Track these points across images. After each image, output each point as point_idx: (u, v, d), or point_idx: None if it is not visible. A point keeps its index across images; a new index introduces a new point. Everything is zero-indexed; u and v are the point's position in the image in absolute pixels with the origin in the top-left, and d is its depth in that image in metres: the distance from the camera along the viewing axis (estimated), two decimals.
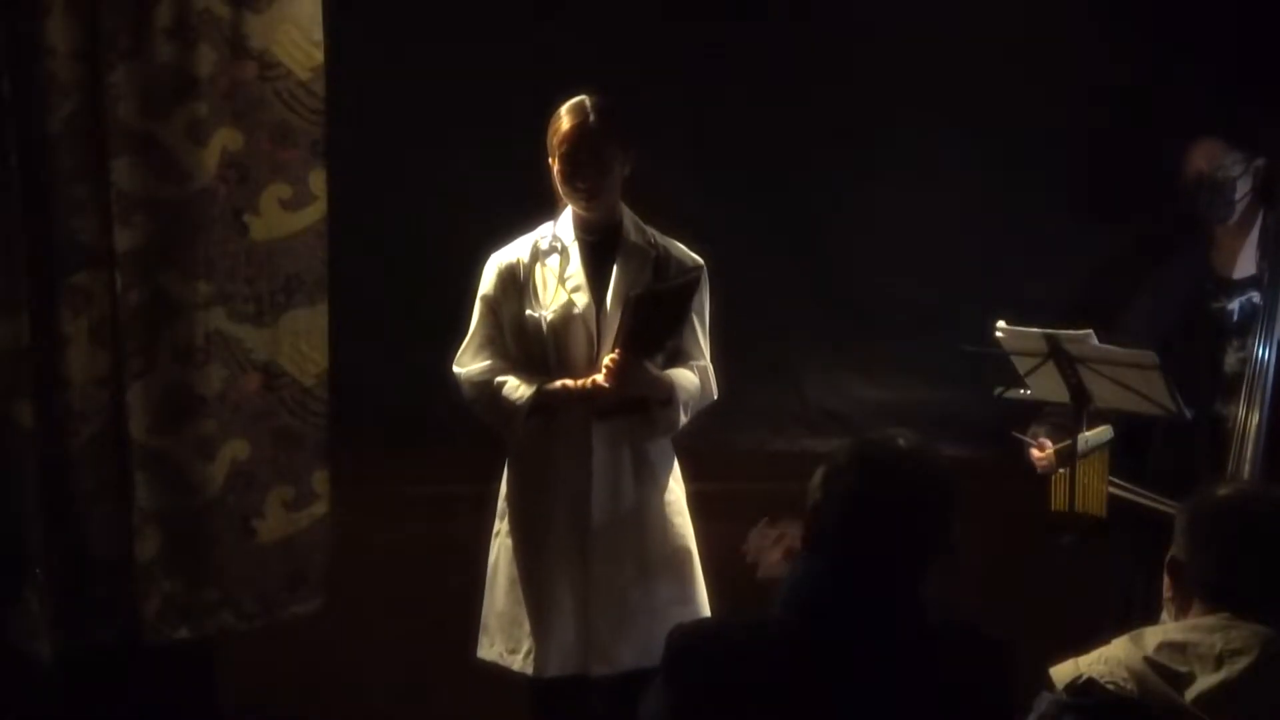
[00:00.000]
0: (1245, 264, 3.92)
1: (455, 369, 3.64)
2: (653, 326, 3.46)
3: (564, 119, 3.52)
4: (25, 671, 3.72)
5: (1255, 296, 3.88)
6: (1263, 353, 3.75)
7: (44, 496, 3.68)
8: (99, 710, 3.91)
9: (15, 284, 3.62)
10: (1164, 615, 2.39)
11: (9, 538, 3.67)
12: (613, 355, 3.45)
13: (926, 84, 4.46)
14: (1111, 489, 3.66)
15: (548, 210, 3.65)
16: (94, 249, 3.71)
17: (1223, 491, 2.47)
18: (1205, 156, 3.86)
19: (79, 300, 3.71)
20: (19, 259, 3.62)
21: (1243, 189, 3.86)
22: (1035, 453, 3.75)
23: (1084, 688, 2.28)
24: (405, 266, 4.42)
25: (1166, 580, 2.39)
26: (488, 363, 3.61)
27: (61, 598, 3.73)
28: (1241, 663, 2.22)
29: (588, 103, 3.53)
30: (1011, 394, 3.74)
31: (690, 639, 2.39)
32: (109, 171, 3.67)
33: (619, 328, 3.45)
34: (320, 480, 3.92)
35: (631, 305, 3.41)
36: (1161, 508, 3.63)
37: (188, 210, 3.72)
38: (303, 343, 3.85)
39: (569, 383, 3.52)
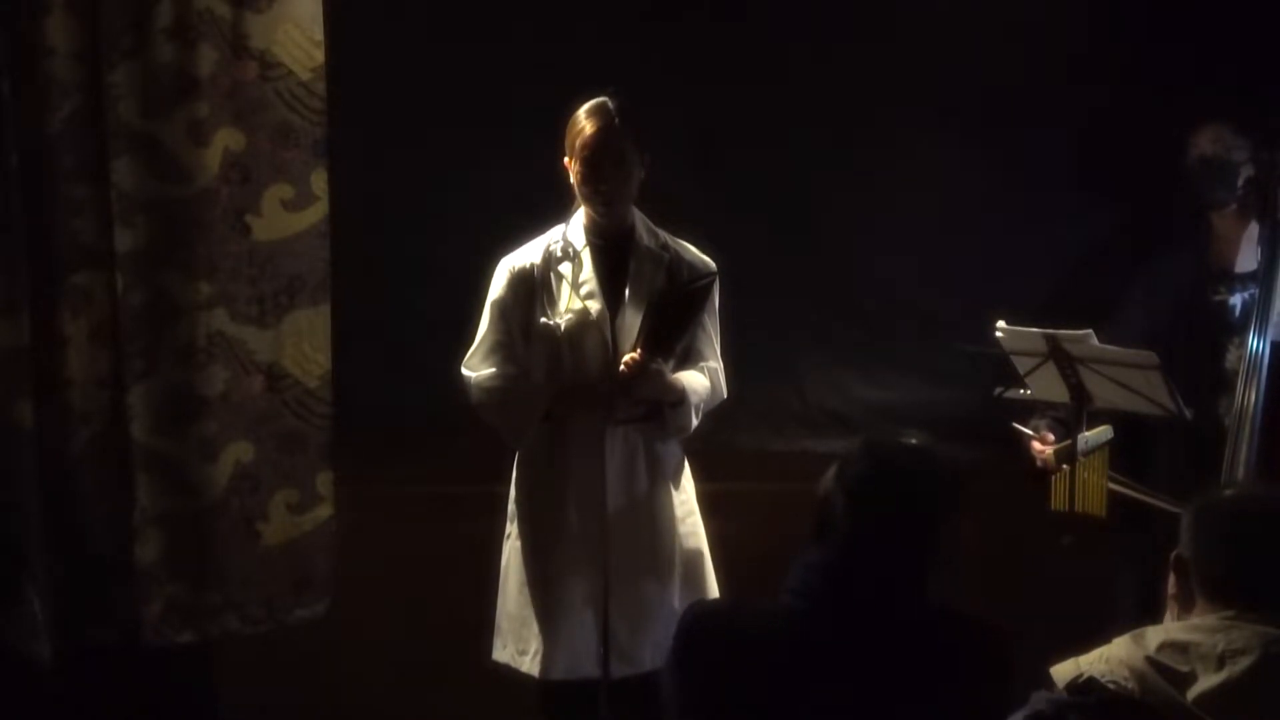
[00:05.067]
0: (1246, 258, 3.92)
1: (464, 372, 3.63)
2: (670, 328, 3.46)
3: (586, 122, 3.49)
4: (25, 672, 3.72)
5: (1257, 292, 3.88)
6: (1257, 345, 3.76)
7: (44, 497, 3.68)
8: (99, 712, 3.91)
9: (15, 284, 3.62)
10: (1168, 615, 2.40)
11: (9, 538, 3.67)
12: (631, 355, 3.44)
13: (926, 84, 4.46)
14: (1113, 485, 3.67)
15: (549, 209, 3.64)
16: (94, 249, 3.71)
17: (1230, 492, 2.48)
18: (1211, 138, 3.87)
19: (79, 300, 3.71)
20: (19, 259, 3.62)
21: (1245, 174, 3.86)
22: (1037, 445, 3.75)
23: (1084, 686, 2.29)
24: (406, 266, 4.41)
25: (1171, 576, 2.40)
26: (498, 368, 3.60)
27: (61, 598, 3.73)
28: (1243, 663, 2.22)
29: (610, 105, 3.50)
30: (1011, 394, 3.75)
31: (701, 620, 2.47)
32: (109, 171, 3.67)
33: (640, 329, 3.45)
34: (324, 482, 3.92)
35: (654, 307, 3.40)
36: (1162, 505, 3.63)
37: (189, 211, 3.71)
38: (305, 344, 3.85)
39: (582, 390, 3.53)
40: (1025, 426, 3.80)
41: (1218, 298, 3.94)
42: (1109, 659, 2.28)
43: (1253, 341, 3.76)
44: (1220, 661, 2.23)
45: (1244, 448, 3.73)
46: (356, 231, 4.14)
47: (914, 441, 2.44)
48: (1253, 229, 3.92)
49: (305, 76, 3.78)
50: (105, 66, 3.65)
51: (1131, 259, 4.20)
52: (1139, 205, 4.32)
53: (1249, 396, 3.73)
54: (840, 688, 2.31)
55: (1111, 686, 2.25)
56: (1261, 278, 3.80)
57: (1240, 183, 3.86)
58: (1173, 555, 2.40)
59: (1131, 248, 4.32)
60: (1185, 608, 2.36)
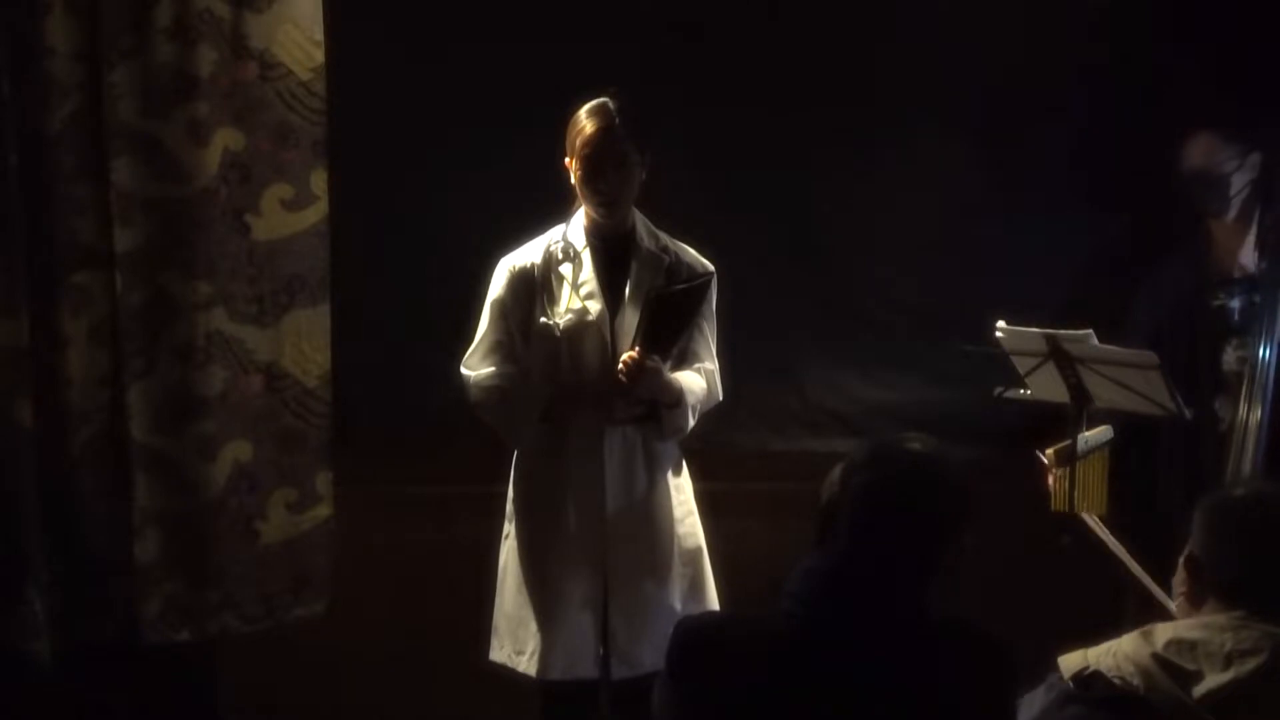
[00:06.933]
0: (1246, 261, 3.95)
1: (463, 371, 3.63)
2: (667, 327, 3.45)
3: (586, 122, 3.48)
4: (25, 671, 3.72)
5: (1257, 295, 3.90)
6: (1264, 353, 3.77)
7: (44, 496, 3.69)
8: (99, 710, 3.91)
9: (15, 284, 3.63)
10: (1176, 611, 2.41)
11: (9, 538, 3.68)
12: (631, 353, 3.44)
13: (926, 84, 4.46)
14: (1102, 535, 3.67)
15: (549, 210, 3.64)
16: (94, 249, 3.72)
17: (1241, 492, 2.49)
18: (1201, 151, 3.90)
19: (79, 300, 3.72)
20: (19, 259, 3.63)
21: (1239, 183, 3.89)
22: (1052, 480, 3.73)
23: (1088, 680, 2.30)
24: (405, 266, 4.40)
25: (1181, 575, 2.40)
26: (496, 367, 3.60)
27: (61, 598, 3.74)
28: (1251, 664, 2.23)
29: (611, 105, 3.49)
30: (1011, 394, 3.75)
31: (696, 631, 2.43)
32: (109, 171, 3.68)
33: (638, 327, 3.44)
34: (323, 482, 3.92)
35: (651, 305, 3.40)
36: (1133, 569, 3.61)
37: (188, 210, 3.72)
38: (305, 344, 3.86)
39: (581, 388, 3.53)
40: (1043, 453, 3.79)
41: (1217, 302, 3.96)
42: (1116, 654, 2.29)
43: (1260, 350, 3.77)
44: (1227, 661, 2.24)
45: (1249, 456, 3.75)
46: (356, 231, 4.14)
47: (921, 447, 2.39)
48: (1252, 233, 3.94)
49: (305, 76, 3.79)
50: (105, 66, 3.66)
51: (1134, 262, 4.21)
52: (1139, 207, 4.32)
53: (1255, 404, 3.75)
54: (839, 696, 2.29)
55: (1117, 682, 2.25)
56: (1268, 284, 3.82)
57: (1233, 192, 3.88)
58: (1184, 554, 2.40)
59: (1132, 251, 4.32)
60: (1195, 606, 2.36)
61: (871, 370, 4.64)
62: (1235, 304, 3.95)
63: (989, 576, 3.62)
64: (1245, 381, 3.80)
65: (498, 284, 3.62)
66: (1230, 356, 3.93)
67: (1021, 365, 3.68)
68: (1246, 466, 3.76)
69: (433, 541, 4.33)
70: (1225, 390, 3.93)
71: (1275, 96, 4.15)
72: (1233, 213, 3.93)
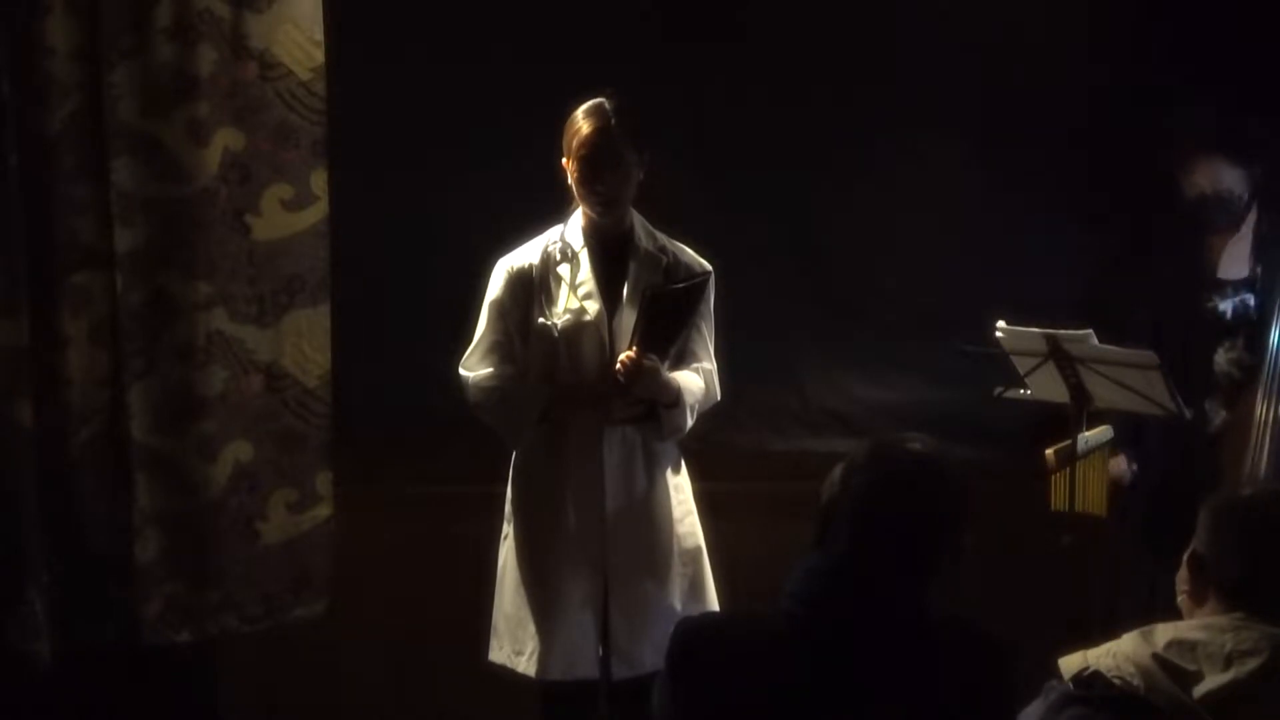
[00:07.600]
0: (1239, 265, 3.97)
1: (462, 372, 3.63)
2: (664, 326, 3.46)
3: (583, 122, 3.48)
4: (25, 671, 3.72)
5: (1249, 298, 3.93)
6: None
7: (44, 496, 3.69)
8: (99, 711, 3.91)
9: (15, 284, 3.62)
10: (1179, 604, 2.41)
11: (9, 538, 3.67)
12: (628, 354, 3.44)
13: (926, 85, 4.46)
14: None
15: (549, 210, 3.65)
16: (94, 249, 3.72)
17: (1249, 492, 2.49)
18: (1207, 176, 3.91)
19: (79, 300, 3.71)
20: (19, 259, 3.62)
21: (1245, 200, 3.91)
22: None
23: (1088, 680, 2.30)
24: (405, 266, 4.40)
25: (1184, 573, 2.41)
26: (495, 368, 3.60)
27: (61, 598, 3.74)
28: (1251, 664, 2.23)
29: (608, 106, 3.50)
30: (1011, 394, 3.75)
31: (696, 631, 2.43)
32: (109, 171, 3.68)
33: (635, 326, 3.45)
34: (323, 482, 3.92)
35: (647, 303, 3.40)
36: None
37: (188, 210, 3.72)
38: (305, 344, 3.86)
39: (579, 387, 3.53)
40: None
41: (1210, 304, 3.98)
42: (1116, 654, 2.29)
43: (1275, 339, 3.80)
44: (1228, 661, 2.24)
45: (1266, 449, 3.76)
46: (356, 231, 4.14)
47: (922, 447, 2.39)
48: (1246, 236, 3.96)
49: (305, 76, 3.79)
50: (105, 66, 3.65)
51: (1134, 262, 4.21)
52: (1139, 208, 4.33)
53: (1273, 395, 3.76)
54: (839, 696, 2.29)
55: (1117, 682, 2.25)
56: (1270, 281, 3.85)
57: (1242, 208, 3.91)
58: (1188, 552, 2.41)
59: (1132, 251, 4.32)
60: (1197, 604, 2.37)
61: (871, 370, 4.64)
62: (1228, 306, 3.97)
63: (989, 576, 3.63)
64: (1263, 373, 3.82)
65: (496, 285, 3.62)
66: (1221, 358, 3.96)
67: (1021, 365, 3.69)
68: (1263, 462, 3.77)
69: (433, 541, 4.33)
70: (1216, 391, 3.95)
71: (1272, 99, 4.16)
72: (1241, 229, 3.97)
